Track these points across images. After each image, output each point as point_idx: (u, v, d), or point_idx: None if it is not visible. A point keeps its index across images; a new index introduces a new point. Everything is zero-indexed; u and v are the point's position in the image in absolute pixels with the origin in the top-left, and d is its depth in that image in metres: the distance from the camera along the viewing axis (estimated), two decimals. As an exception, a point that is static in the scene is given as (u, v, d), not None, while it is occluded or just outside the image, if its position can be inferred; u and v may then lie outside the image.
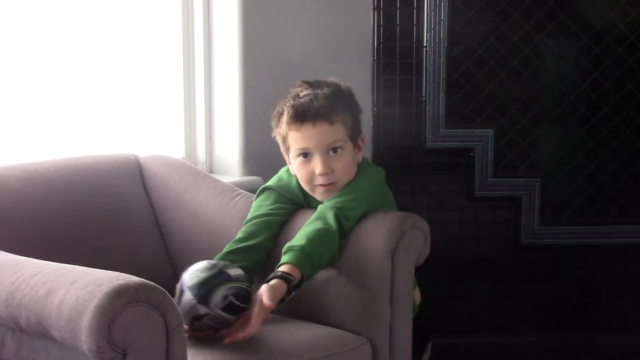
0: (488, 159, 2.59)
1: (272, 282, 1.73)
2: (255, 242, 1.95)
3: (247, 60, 2.68)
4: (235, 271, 1.76)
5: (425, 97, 2.57)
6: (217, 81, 2.73)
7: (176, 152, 2.72)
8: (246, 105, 2.69)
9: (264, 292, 1.72)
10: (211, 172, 2.75)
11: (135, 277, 1.48)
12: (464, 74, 2.58)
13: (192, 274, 1.74)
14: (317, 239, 1.81)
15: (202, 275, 1.73)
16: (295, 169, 1.97)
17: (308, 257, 1.78)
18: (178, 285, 1.75)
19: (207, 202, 2.18)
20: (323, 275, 1.91)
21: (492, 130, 2.59)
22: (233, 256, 1.92)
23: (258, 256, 1.95)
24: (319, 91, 1.94)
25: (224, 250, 1.94)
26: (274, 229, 1.99)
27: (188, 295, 1.71)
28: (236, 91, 2.69)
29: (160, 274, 2.09)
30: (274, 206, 2.02)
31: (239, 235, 1.97)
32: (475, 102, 2.59)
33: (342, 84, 1.99)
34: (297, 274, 1.76)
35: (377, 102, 2.58)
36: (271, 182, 2.07)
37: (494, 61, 2.57)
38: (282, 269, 1.76)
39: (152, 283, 1.47)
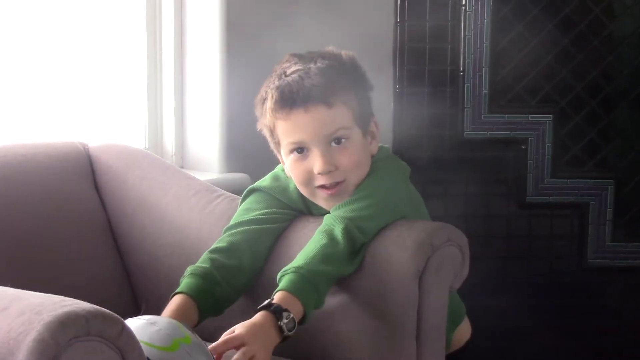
0: (545, 154, 2.60)
1: (254, 318, 1.71)
2: (238, 262, 1.93)
3: (230, 25, 2.67)
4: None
5: (464, 71, 2.58)
6: (190, 50, 2.73)
7: (137, 141, 2.71)
8: (230, 81, 2.69)
9: (242, 338, 1.68)
10: (182, 167, 2.75)
11: (85, 302, 1.46)
12: (515, 40, 2.58)
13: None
14: (320, 257, 1.80)
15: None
16: (289, 168, 1.97)
17: (309, 282, 1.77)
18: None
19: (178, 205, 2.18)
20: (329, 302, 1.90)
21: (551, 115, 2.59)
22: (219, 274, 1.89)
23: (240, 279, 1.94)
24: (312, 65, 1.92)
25: (204, 262, 1.91)
26: (266, 241, 1.99)
27: None
28: (216, 63, 2.69)
29: (116, 298, 2.09)
30: (266, 211, 2.01)
31: (218, 244, 1.96)
32: (528, 79, 2.59)
33: (344, 52, 1.98)
34: (296, 306, 1.74)
35: (399, 77, 2.58)
36: (263, 181, 2.06)
37: (553, 24, 2.57)
38: (275, 298, 1.75)
39: (107, 311, 1.46)
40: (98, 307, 1.46)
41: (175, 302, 1.84)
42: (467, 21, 2.56)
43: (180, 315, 1.79)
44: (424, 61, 2.59)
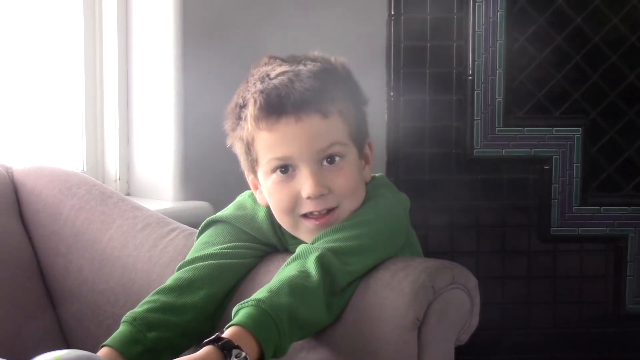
0: (573, 175, 2.60)
1: (197, 353, 1.70)
2: (193, 300, 1.94)
3: (187, 20, 2.68)
4: None
5: (473, 74, 2.59)
6: (137, 51, 2.74)
7: (72, 163, 2.71)
8: (186, 90, 2.70)
9: None
10: (128, 194, 2.75)
11: (7, 360, 1.48)
12: (535, 36, 2.59)
13: None
14: (287, 290, 1.79)
15: None
16: (267, 192, 1.97)
17: (270, 318, 1.76)
18: None
19: (123, 242, 2.18)
20: (307, 359, 1.90)
21: (580, 128, 2.60)
22: (154, 315, 1.90)
23: (195, 324, 1.94)
24: (301, 67, 1.94)
25: (141, 305, 1.92)
26: (229, 279, 1.99)
27: None
28: (170, 68, 2.69)
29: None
30: (229, 245, 2.02)
31: (168, 282, 1.96)
32: (552, 83, 2.60)
33: (334, 58, 2.00)
34: (250, 345, 1.73)
35: (394, 83, 2.59)
36: (226, 211, 2.06)
37: (582, 17, 2.59)
38: (226, 333, 1.74)
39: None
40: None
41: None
42: (477, 14, 2.57)
43: None
44: (424, 63, 2.60)
